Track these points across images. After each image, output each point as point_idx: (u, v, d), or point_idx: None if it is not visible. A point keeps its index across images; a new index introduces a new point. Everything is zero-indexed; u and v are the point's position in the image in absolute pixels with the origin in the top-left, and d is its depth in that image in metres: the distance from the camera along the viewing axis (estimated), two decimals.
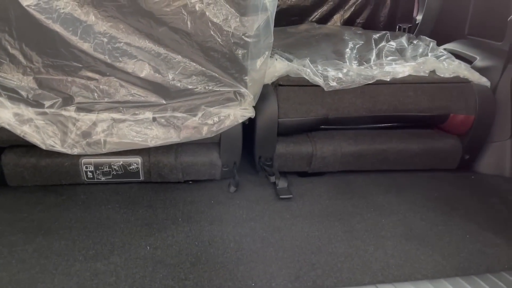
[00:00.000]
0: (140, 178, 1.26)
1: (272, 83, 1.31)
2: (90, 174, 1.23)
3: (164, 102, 1.13)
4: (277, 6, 1.17)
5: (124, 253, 0.99)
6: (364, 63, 1.40)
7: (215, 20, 1.03)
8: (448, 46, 1.67)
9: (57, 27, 1.01)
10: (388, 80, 1.29)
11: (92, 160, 1.21)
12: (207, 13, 1.03)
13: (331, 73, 1.27)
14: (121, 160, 1.22)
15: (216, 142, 1.27)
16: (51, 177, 1.23)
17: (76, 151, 1.13)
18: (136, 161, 1.23)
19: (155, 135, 1.15)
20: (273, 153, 1.32)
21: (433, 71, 1.38)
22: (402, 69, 1.33)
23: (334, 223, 1.13)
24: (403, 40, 1.60)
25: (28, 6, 0.98)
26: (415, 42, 1.61)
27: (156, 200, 1.21)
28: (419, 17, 2.02)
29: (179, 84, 1.12)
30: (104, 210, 1.15)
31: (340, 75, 1.26)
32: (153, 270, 0.94)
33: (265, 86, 1.26)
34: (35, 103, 1.09)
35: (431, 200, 1.26)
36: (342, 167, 1.37)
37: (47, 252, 0.99)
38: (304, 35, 1.78)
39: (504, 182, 1.37)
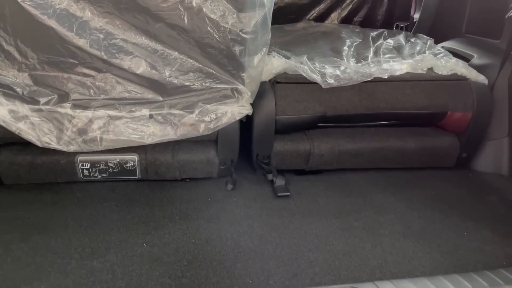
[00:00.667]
0: (136, 176, 1.25)
1: (270, 80, 1.30)
2: (86, 171, 1.22)
3: (161, 99, 1.12)
4: (275, 4, 1.17)
5: (121, 251, 0.98)
6: (362, 60, 1.40)
7: (212, 16, 1.03)
8: (446, 44, 1.67)
9: (52, 23, 1.00)
10: (386, 77, 1.29)
11: (89, 157, 1.20)
12: (204, 9, 1.03)
13: (329, 70, 1.26)
14: (117, 158, 1.21)
15: (213, 139, 1.27)
16: (47, 175, 1.22)
17: (72, 148, 1.12)
18: (132, 159, 1.22)
19: (152, 133, 1.15)
20: (271, 151, 1.31)
21: (431, 69, 1.38)
22: (399, 67, 1.33)
23: (331, 221, 1.12)
24: (401, 38, 1.60)
25: (23, 1, 0.97)
26: (412, 40, 1.61)
27: (153, 198, 1.21)
28: (416, 16, 2.02)
29: (176, 81, 1.11)
30: (101, 208, 1.15)
31: (338, 72, 1.25)
32: (150, 268, 0.93)
33: (263, 83, 1.25)
34: (31, 100, 1.08)
35: (428, 198, 1.26)
36: (340, 165, 1.36)
37: (43, 250, 0.98)
38: (301, 33, 1.78)
39: (501, 180, 1.37)
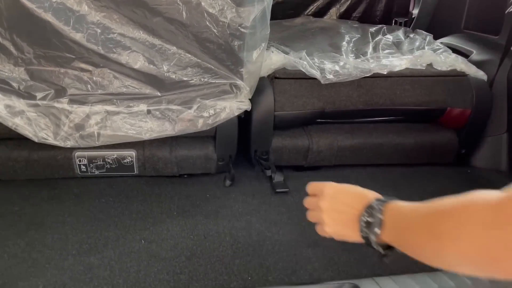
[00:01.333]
0: (134, 171, 1.24)
1: (268, 76, 1.29)
2: (84, 167, 1.21)
3: (159, 94, 1.12)
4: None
5: (118, 247, 0.98)
6: (361, 56, 1.39)
7: (210, 10, 1.02)
8: (445, 40, 1.66)
9: (49, 17, 0.99)
10: (385, 73, 1.28)
11: (86, 153, 1.19)
12: (202, 3, 1.02)
13: (328, 65, 1.25)
14: (115, 154, 1.21)
15: (211, 135, 1.26)
16: (44, 170, 1.21)
17: (69, 144, 1.11)
18: (130, 155, 1.21)
19: (150, 128, 1.14)
20: (269, 146, 1.31)
21: (430, 65, 1.37)
22: (399, 62, 1.32)
23: None
24: (400, 33, 1.60)
25: None
26: (411, 35, 1.60)
27: (151, 194, 1.20)
28: (415, 11, 2.02)
29: (174, 76, 1.10)
30: (98, 204, 1.14)
31: (337, 68, 1.25)
32: (148, 264, 0.93)
33: (261, 79, 1.24)
34: (27, 95, 1.07)
35: (427, 194, 1.24)
36: (339, 161, 1.36)
37: (39, 246, 0.97)
38: (300, 29, 1.77)
39: (500, 176, 1.37)
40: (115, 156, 1.21)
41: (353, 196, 0.72)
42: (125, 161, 1.22)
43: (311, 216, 0.76)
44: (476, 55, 1.48)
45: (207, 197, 1.20)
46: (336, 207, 0.74)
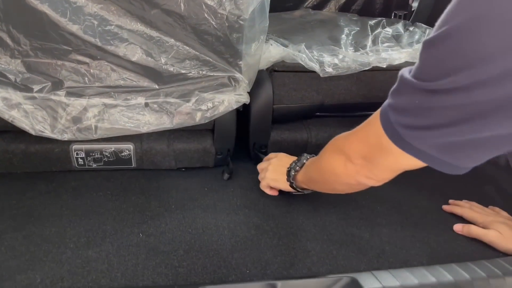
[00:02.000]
0: (132, 165, 1.24)
1: (267, 69, 1.28)
2: (81, 160, 1.20)
3: (156, 87, 1.11)
4: None
5: (116, 240, 0.97)
6: (360, 49, 1.39)
7: (209, 2, 1.00)
8: None
9: (45, 8, 0.97)
10: (384, 66, 1.28)
11: (83, 146, 1.18)
12: None
13: (327, 59, 1.24)
14: (112, 147, 1.20)
15: (209, 128, 1.25)
16: (41, 163, 1.20)
17: (66, 136, 1.11)
18: (128, 148, 1.21)
19: (148, 121, 1.13)
20: (268, 140, 1.30)
21: None
22: (398, 56, 1.31)
23: (329, 210, 1.12)
24: (399, 26, 1.59)
25: None
26: (411, 29, 1.59)
27: (149, 187, 1.19)
28: (414, 4, 2.00)
29: (172, 69, 1.09)
30: (96, 197, 1.13)
31: (336, 61, 1.24)
32: (146, 258, 0.92)
33: (260, 72, 1.23)
34: (24, 87, 1.06)
35: (426, 188, 1.25)
36: None
37: (37, 239, 0.97)
38: (299, 21, 1.76)
39: (498, 170, 1.37)
40: (113, 149, 1.20)
41: (286, 156, 1.15)
42: (123, 154, 1.21)
43: (260, 176, 1.19)
44: None
45: (205, 190, 1.19)
46: (278, 162, 1.14)
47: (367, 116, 1.15)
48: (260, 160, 1.30)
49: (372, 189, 1.23)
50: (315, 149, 1.32)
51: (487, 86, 0.53)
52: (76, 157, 1.19)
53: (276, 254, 0.95)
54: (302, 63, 1.23)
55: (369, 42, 1.46)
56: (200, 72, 1.11)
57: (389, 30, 1.55)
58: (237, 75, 1.12)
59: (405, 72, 0.67)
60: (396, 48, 1.39)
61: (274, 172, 1.12)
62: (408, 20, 1.90)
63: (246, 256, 0.94)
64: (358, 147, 0.77)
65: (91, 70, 1.08)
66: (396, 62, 1.30)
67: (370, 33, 1.55)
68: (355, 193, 1.20)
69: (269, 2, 1.08)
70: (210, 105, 1.13)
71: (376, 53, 1.34)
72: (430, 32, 1.52)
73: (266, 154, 1.31)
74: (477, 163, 0.67)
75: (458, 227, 1.05)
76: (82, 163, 1.21)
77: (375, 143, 0.72)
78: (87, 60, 1.06)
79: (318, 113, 1.35)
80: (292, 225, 1.05)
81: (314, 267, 0.92)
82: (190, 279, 0.87)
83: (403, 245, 1.00)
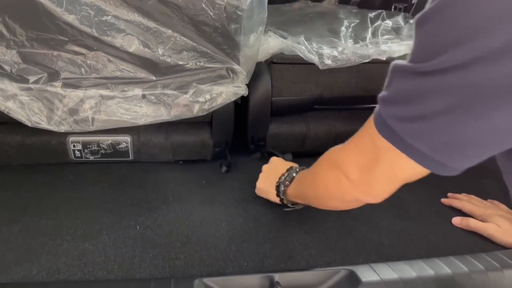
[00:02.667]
0: (129, 157, 1.23)
1: (266, 61, 1.27)
2: (78, 153, 1.19)
3: (154, 78, 1.10)
4: None
5: (113, 233, 0.97)
6: (360, 41, 1.37)
7: None
8: None
9: None
10: (384, 59, 1.27)
11: (80, 138, 1.17)
12: None
13: (326, 51, 1.23)
14: (110, 139, 1.19)
15: (207, 121, 1.24)
16: (38, 155, 1.19)
17: (63, 128, 1.10)
18: (125, 140, 1.20)
19: (145, 113, 1.12)
20: (266, 133, 1.29)
21: None
22: (398, 48, 1.30)
23: None
24: (399, 19, 1.57)
25: None
26: (411, 21, 1.58)
27: (146, 180, 1.19)
28: None
29: (169, 60, 1.08)
30: (93, 190, 1.13)
31: (335, 53, 1.23)
32: (143, 250, 0.92)
33: (259, 64, 1.22)
34: (19, 78, 1.05)
35: (425, 181, 1.24)
36: None
37: (33, 231, 0.96)
38: (298, 13, 1.74)
39: (496, 164, 1.36)
40: (110, 141, 1.19)
41: (283, 167, 1.04)
42: (120, 146, 1.20)
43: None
44: None
45: (203, 183, 1.19)
46: (271, 171, 1.07)
47: (366, 109, 1.16)
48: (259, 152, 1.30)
49: None
50: (313, 142, 1.31)
51: (487, 63, 0.48)
52: (73, 149, 1.18)
53: (274, 247, 0.95)
54: (301, 55, 1.21)
55: (368, 35, 1.45)
56: (198, 63, 1.10)
57: (389, 23, 1.54)
58: (235, 66, 1.11)
59: (397, 61, 0.62)
60: (396, 41, 1.38)
61: (264, 182, 1.07)
62: (408, 13, 1.88)
63: (243, 248, 0.94)
64: (353, 158, 0.71)
65: (88, 61, 1.06)
66: (396, 55, 1.29)
67: (370, 26, 1.53)
68: None
69: None
70: (208, 97, 1.12)
71: (376, 45, 1.33)
72: None
73: (264, 147, 1.30)
74: (472, 163, 0.61)
75: (456, 220, 1.04)
76: (79, 155, 1.20)
77: (370, 148, 0.66)
78: (83, 51, 1.05)
79: (317, 106, 1.34)
80: (290, 218, 1.05)
81: (312, 259, 0.92)
82: (187, 271, 0.87)
83: (401, 238, 1.00)
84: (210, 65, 1.10)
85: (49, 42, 1.03)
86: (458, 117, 0.54)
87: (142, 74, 1.09)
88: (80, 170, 1.21)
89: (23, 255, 0.89)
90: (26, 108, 1.07)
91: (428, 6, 0.54)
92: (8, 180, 1.14)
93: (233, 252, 0.93)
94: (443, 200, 1.14)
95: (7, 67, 1.04)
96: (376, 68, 1.28)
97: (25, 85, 1.05)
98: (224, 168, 1.25)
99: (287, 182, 0.98)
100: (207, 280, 0.81)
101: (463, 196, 1.14)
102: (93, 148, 1.19)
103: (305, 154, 1.35)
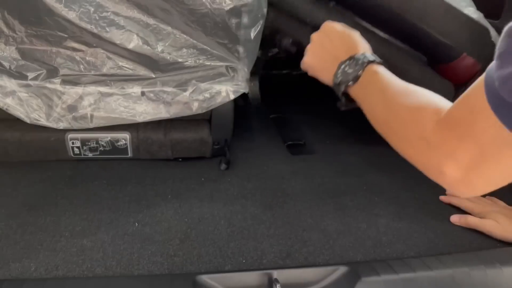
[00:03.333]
0: (128, 154, 1.23)
1: None
2: (77, 149, 1.19)
3: (153, 75, 1.10)
4: None
5: (112, 229, 0.97)
6: None
7: None
8: None
9: None
10: None
11: (79, 135, 1.17)
12: None
13: None
14: (108, 136, 1.19)
15: (206, 118, 1.24)
16: (37, 152, 1.19)
17: (62, 125, 1.10)
18: (124, 137, 1.20)
19: (144, 110, 1.12)
20: None
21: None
22: None
23: (326, 201, 1.11)
24: None
25: None
26: None
27: (145, 177, 1.18)
28: None
29: (168, 57, 1.08)
30: (91, 187, 1.13)
31: None
32: (141, 247, 0.92)
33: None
34: (18, 75, 1.05)
35: (424, 179, 1.24)
36: None
37: (32, 228, 0.96)
38: None
39: None
40: (109, 138, 1.19)
41: (344, 40, 0.78)
42: (119, 143, 1.20)
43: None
44: None
45: (202, 180, 1.19)
46: (324, 43, 0.81)
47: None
48: None
49: (370, 180, 1.23)
50: None
51: None
52: (71, 146, 1.18)
53: (273, 244, 0.94)
54: None
55: None
56: (197, 61, 1.10)
57: None
58: (235, 63, 1.11)
59: None
60: None
61: (316, 57, 0.83)
62: None
63: (242, 245, 0.94)
64: (455, 111, 0.57)
65: (87, 58, 1.06)
66: None
67: None
68: (353, 184, 1.20)
69: None
70: (207, 95, 1.12)
71: None
72: None
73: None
74: None
75: (454, 218, 1.04)
76: (78, 152, 1.20)
77: (488, 141, 0.53)
78: (82, 47, 1.05)
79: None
80: (289, 215, 1.04)
81: (311, 257, 0.91)
82: (186, 268, 0.87)
83: (400, 236, 0.99)
84: (209, 63, 1.10)
85: (48, 38, 1.03)
86: None
87: (142, 71, 1.09)
88: (78, 167, 1.20)
89: (21, 251, 0.89)
90: (25, 105, 1.07)
91: None
92: (7, 177, 1.14)
93: (231, 249, 0.92)
94: (442, 198, 1.13)
95: (6, 64, 1.04)
96: None
97: (24, 82, 1.05)
98: (223, 166, 1.25)
99: (350, 82, 0.73)
100: (206, 277, 0.80)
101: None
102: (92, 145, 1.19)
103: (304, 152, 1.35)
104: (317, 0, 1.20)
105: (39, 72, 1.05)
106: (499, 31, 1.43)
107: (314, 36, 0.85)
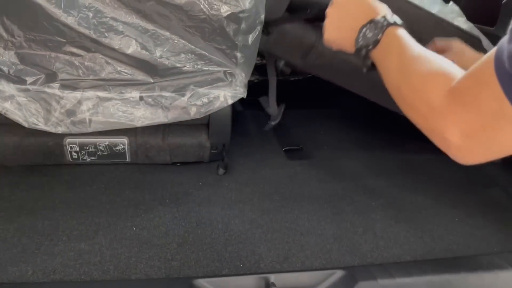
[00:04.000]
0: (126, 159, 1.23)
1: None
2: (75, 154, 1.20)
3: (151, 80, 1.10)
4: None
5: (110, 233, 0.97)
6: None
7: None
8: None
9: None
10: None
11: (77, 140, 1.17)
12: None
13: None
14: (107, 141, 1.19)
15: (204, 123, 1.25)
16: (35, 156, 1.19)
17: (60, 130, 1.10)
18: (122, 142, 1.20)
19: (142, 115, 1.12)
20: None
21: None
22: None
23: (323, 205, 1.12)
24: None
25: None
26: None
27: (143, 182, 1.19)
28: None
29: (167, 62, 1.09)
30: (89, 191, 1.13)
31: None
32: (139, 251, 0.92)
33: None
34: (17, 79, 1.05)
35: (421, 183, 1.26)
36: (335, 78, 1.29)
37: (29, 232, 0.96)
38: None
39: (493, 167, 1.37)
40: (107, 143, 1.19)
41: (360, 6, 0.76)
42: (117, 148, 1.20)
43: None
44: None
45: (200, 185, 1.19)
46: (340, 13, 0.80)
47: None
48: None
49: (366, 185, 1.24)
50: (317, 57, 1.21)
51: None
52: (70, 151, 1.18)
53: (270, 248, 0.95)
54: None
55: None
56: (195, 66, 1.10)
57: None
58: (233, 68, 1.12)
59: None
60: None
61: (335, 28, 0.81)
62: None
63: (240, 250, 0.94)
64: (464, 83, 0.57)
65: (86, 63, 1.07)
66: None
67: None
68: (350, 189, 1.21)
69: None
70: (205, 100, 1.12)
71: None
72: None
73: None
74: None
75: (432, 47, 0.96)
76: (76, 156, 1.20)
77: (493, 111, 0.53)
78: (81, 52, 1.06)
79: None
80: (286, 220, 1.05)
81: (308, 261, 0.92)
82: (183, 272, 0.87)
83: (397, 240, 1.00)
84: (207, 68, 1.11)
85: (47, 43, 1.04)
86: None
87: (140, 76, 1.09)
88: (76, 171, 1.21)
89: (19, 255, 0.89)
90: (23, 109, 1.07)
91: None
92: (5, 181, 1.14)
93: (229, 253, 0.93)
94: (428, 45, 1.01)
95: (4, 68, 1.04)
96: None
97: (23, 86, 1.06)
98: (221, 170, 1.25)
99: (370, 46, 0.71)
100: (203, 281, 0.80)
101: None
102: (90, 149, 1.19)
103: (301, 156, 1.36)
104: None
105: (37, 77, 1.06)
106: (494, 38, 1.46)
107: (329, 11, 0.83)
